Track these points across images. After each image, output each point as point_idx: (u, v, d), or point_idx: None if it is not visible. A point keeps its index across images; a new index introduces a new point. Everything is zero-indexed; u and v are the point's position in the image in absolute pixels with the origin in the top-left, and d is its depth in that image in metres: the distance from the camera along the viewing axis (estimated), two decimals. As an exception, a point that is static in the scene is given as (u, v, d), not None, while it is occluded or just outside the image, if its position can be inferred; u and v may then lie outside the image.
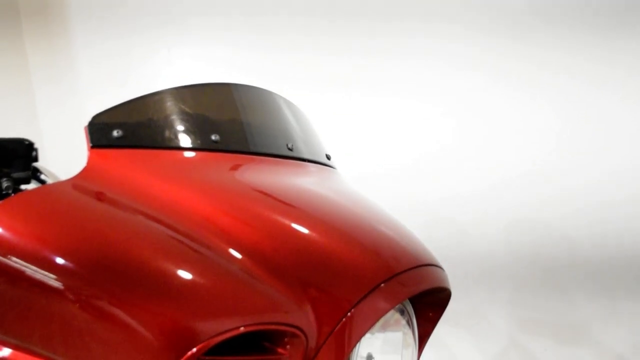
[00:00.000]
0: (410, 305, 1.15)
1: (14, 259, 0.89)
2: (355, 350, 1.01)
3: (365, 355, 1.05)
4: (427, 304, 1.21)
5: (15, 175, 1.79)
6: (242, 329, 0.84)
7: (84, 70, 5.77)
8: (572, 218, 3.70)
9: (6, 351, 0.90)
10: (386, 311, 0.99)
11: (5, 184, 1.71)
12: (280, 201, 1.15)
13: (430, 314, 1.23)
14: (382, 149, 4.87)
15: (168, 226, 0.97)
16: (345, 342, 0.94)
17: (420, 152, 4.70)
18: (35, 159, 1.90)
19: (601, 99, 3.77)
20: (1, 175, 1.72)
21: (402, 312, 1.13)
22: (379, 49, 4.71)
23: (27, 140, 1.87)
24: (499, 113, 4.19)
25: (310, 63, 4.98)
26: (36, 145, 1.91)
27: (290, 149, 1.41)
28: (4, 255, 0.89)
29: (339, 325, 0.93)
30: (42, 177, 1.91)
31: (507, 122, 4.18)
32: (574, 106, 3.87)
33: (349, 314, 0.93)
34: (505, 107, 4.16)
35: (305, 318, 0.91)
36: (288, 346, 0.91)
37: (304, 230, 1.04)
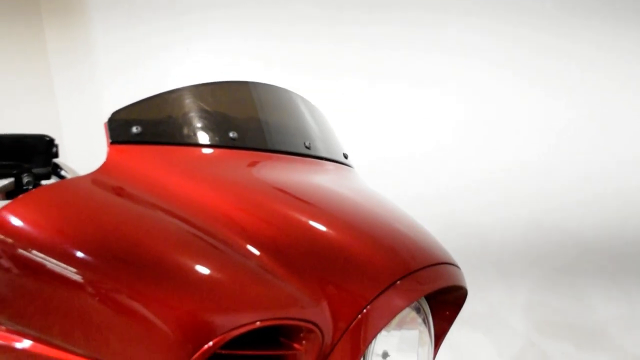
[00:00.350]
0: (426, 303, 1.14)
1: (34, 252, 0.90)
2: (371, 347, 1.01)
3: (380, 352, 1.05)
4: (444, 303, 1.20)
5: (36, 170, 1.82)
6: (258, 323, 0.85)
7: (101, 58, 5.85)
8: (579, 208, 3.67)
9: (27, 343, 0.92)
10: (402, 308, 0.98)
11: (26, 179, 1.73)
12: (298, 198, 1.15)
13: (447, 312, 1.22)
14: (387, 142, 4.86)
15: (186, 221, 0.98)
16: (361, 338, 0.94)
17: (424, 144, 4.69)
18: (56, 155, 1.93)
19: (608, 89, 3.70)
20: (22, 170, 1.75)
21: (418, 310, 1.12)
22: (386, 38, 4.69)
23: (47, 136, 1.89)
24: (506, 105, 4.14)
25: (321, 53, 4.98)
26: (56, 142, 1.94)
27: (308, 147, 1.41)
28: (24, 249, 0.91)
29: (355, 322, 0.93)
30: (62, 173, 1.93)
31: (514, 113, 4.14)
32: (581, 95, 3.80)
33: (364, 310, 0.93)
34: (514, 99, 4.11)
35: (321, 314, 0.91)
36: (304, 342, 0.91)
37: (321, 227, 1.05)
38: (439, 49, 4.40)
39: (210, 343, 0.81)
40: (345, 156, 1.61)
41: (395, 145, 4.84)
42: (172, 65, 5.44)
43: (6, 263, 0.92)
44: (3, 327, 0.93)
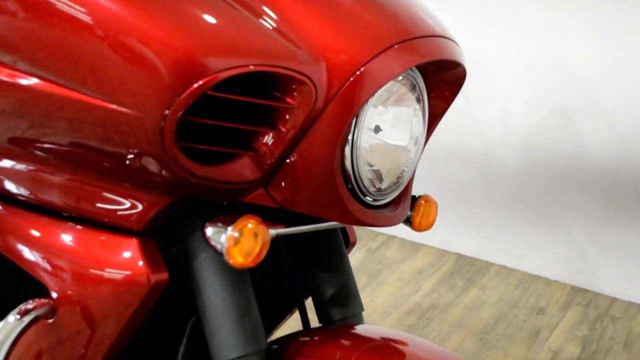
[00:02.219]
0: (422, 81, 1.13)
1: None
2: (362, 118, 1.02)
3: (372, 127, 1.07)
4: (442, 82, 1.19)
5: None
6: (251, 67, 0.85)
7: None
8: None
9: (35, 81, 0.91)
10: (396, 74, 0.98)
11: None
12: None
13: (446, 93, 1.21)
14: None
15: None
16: (354, 99, 0.95)
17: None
18: None
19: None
20: None
21: (413, 87, 1.12)
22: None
23: None
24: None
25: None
26: None
27: None
28: None
29: (349, 82, 0.93)
30: None
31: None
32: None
33: (358, 72, 0.93)
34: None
35: (317, 71, 0.91)
36: (296, 94, 0.92)
37: None
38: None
39: (201, 82, 0.81)
40: None
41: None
42: None
43: None
44: (8, 66, 0.93)
